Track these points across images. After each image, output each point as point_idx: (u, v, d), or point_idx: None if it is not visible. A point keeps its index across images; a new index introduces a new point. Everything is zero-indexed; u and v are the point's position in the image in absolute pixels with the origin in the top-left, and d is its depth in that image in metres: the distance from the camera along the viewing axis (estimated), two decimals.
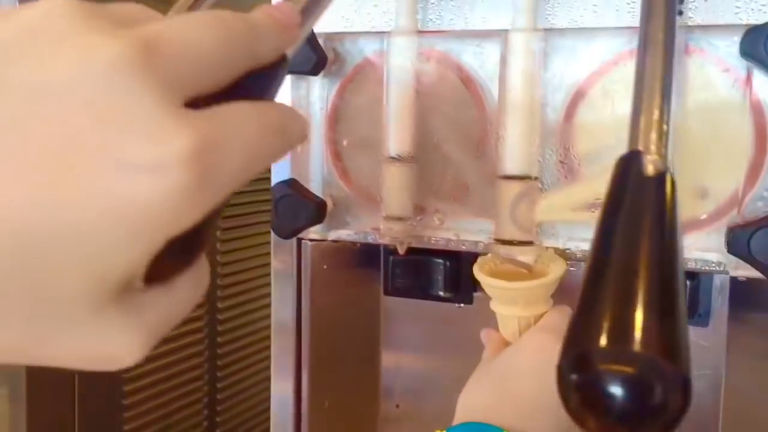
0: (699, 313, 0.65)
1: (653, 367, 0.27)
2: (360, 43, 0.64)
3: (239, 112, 0.24)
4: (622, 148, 0.58)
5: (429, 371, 0.79)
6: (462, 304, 0.71)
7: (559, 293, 0.62)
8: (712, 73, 0.55)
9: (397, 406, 0.79)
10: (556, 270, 0.61)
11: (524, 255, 0.60)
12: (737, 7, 0.54)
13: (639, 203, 0.32)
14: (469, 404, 0.57)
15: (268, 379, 0.75)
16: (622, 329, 0.28)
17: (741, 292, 0.65)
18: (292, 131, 0.26)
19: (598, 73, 0.57)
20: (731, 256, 0.55)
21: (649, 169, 0.33)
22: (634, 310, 0.28)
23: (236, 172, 0.23)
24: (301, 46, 0.59)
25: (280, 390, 0.74)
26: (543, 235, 0.60)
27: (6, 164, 0.21)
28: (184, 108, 0.23)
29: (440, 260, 0.68)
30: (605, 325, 0.28)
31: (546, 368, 0.59)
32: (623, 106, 0.56)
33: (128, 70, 0.21)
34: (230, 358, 1.18)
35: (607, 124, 0.57)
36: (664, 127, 0.35)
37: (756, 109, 0.54)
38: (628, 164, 0.34)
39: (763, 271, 0.53)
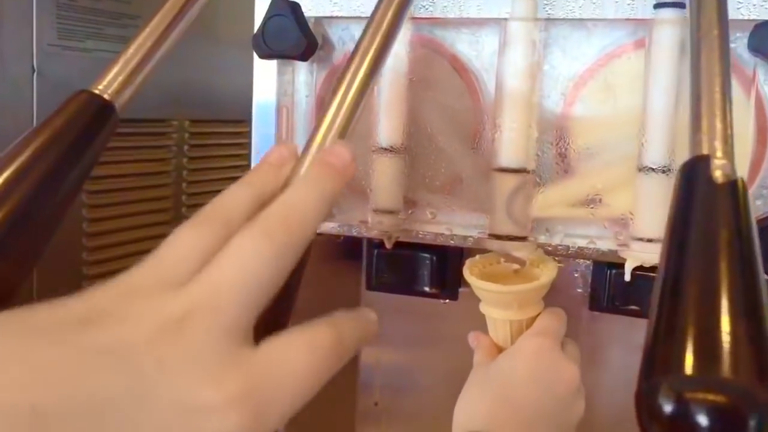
0: None
1: (748, 396, 0.25)
2: (351, 29, 0.61)
3: (290, 346, 0.28)
4: (623, 143, 0.57)
5: (409, 368, 0.77)
6: (447, 300, 0.69)
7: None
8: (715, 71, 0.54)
9: (376, 403, 0.77)
10: (548, 272, 0.59)
11: (518, 251, 0.58)
12: (738, 2, 0.53)
13: (711, 214, 0.30)
14: (469, 414, 0.55)
15: None
16: (710, 353, 0.26)
17: None
18: (348, 341, 0.29)
19: (599, 64, 0.56)
20: None
21: (718, 176, 0.31)
22: (721, 332, 0.26)
23: (289, 404, 0.27)
24: (291, 29, 0.57)
25: None
26: (538, 231, 0.58)
27: None
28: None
29: (426, 255, 0.66)
30: (691, 349, 0.25)
31: (545, 373, 0.58)
32: (625, 99, 0.55)
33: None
34: None
35: (608, 118, 0.56)
36: (729, 129, 0.33)
37: (758, 105, 0.53)
38: (695, 171, 0.31)
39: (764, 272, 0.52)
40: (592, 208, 0.57)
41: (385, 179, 0.59)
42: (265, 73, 0.63)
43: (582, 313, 0.69)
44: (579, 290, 0.69)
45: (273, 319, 0.29)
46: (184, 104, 1.05)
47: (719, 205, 0.30)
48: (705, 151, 0.32)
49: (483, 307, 0.61)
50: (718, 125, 0.32)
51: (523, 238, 0.58)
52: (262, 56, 0.59)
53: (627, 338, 0.69)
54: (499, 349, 0.61)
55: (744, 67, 0.53)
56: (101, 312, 0.26)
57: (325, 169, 0.33)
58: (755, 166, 0.54)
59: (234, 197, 0.33)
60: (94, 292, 0.28)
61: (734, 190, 0.30)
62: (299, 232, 0.30)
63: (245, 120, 0.69)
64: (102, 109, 0.43)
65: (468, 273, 0.60)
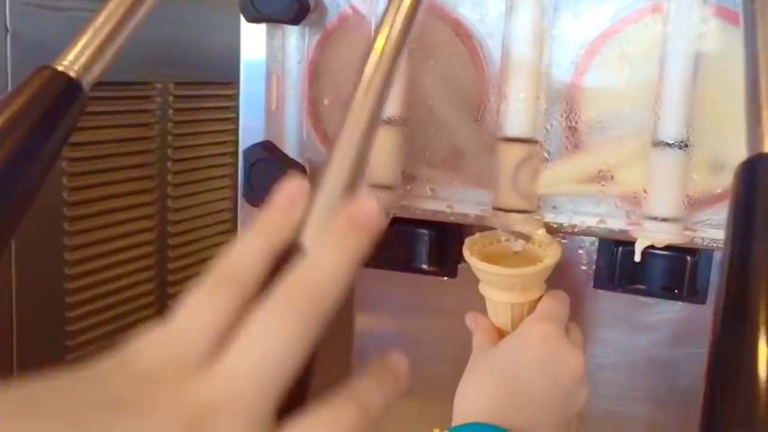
0: (696, 290, 0.62)
1: None
2: None
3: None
4: (637, 116, 0.54)
5: (405, 337, 0.74)
6: (446, 278, 0.66)
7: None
8: (737, 36, 0.51)
9: None
10: (553, 253, 0.56)
11: (523, 226, 0.55)
12: None
13: None
14: (470, 402, 0.52)
15: None
16: None
17: None
18: (373, 411, 0.28)
19: (613, 30, 0.52)
20: None
21: None
22: None
23: None
24: None
25: None
26: (545, 208, 0.55)
27: None
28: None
29: (425, 231, 0.63)
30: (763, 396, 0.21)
31: (550, 362, 0.55)
32: (641, 69, 0.52)
33: None
34: None
35: (622, 89, 0.52)
36: None
37: None
38: (756, 172, 0.27)
39: None
40: (602, 185, 0.53)
41: (382, 153, 0.56)
42: (253, 36, 0.58)
43: (586, 291, 0.66)
44: (583, 267, 0.66)
45: (295, 393, 0.28)
46: (168, 65, 1.00)
47: None
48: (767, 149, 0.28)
49: (483, 288, 0.58)
50: None
51: (529, 213, 0.55)
52: (249, 19, 0.54)
53: (633, 318, 0.67)
54: (499, 332, 0.59)
55: None
56: (122, 401, 0.25)
57: (352, 228, 0.31)
58: None
59: (246, 252, 0.30)
60: (112, 374, 0.26)
61: None
62: (325, 303, 0.28)
63: (233, 82, 0.65)
64: (67, 88, 0.38)
65: (468, 253, 0.57)
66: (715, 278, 0.62)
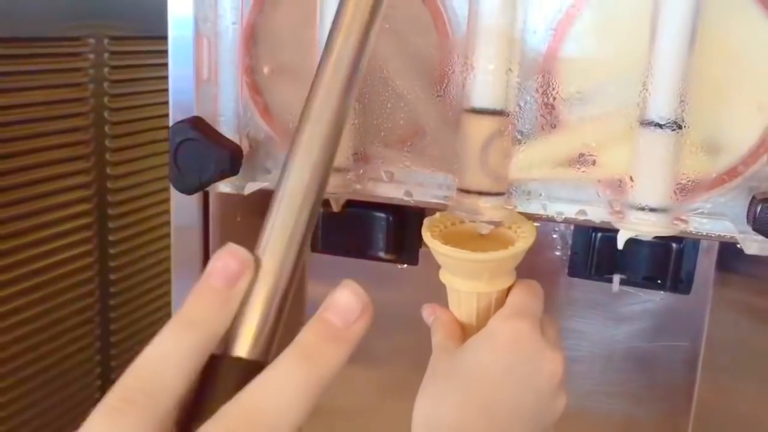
0: (680, 279, 0.56)
1: None
2: None
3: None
4: (623, 91, 0.47)
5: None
6: (405, 265, 0.59)
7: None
8: (738, 2, 0.44)
9: None
10: (526, 236, 0.50)
11: (493, 216, 0.48)
12: None
13: None
14: (431, 412, 0.46)
15: None
16: None
17: (731, 255, 0.57)
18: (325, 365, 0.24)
19: None
20: (747, 228, 0.45)
21: None
22: None
23: None
24: None
25: None
26: (517, 195, 0.48)
27: None
28: None
29: (382, 215, 0.56)
30: None
31: (524, 365, 0.49)
32: (628, 37, 0.45)
33: None
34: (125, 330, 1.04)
35: (606, 60, 0.45)
36: None
37: None
38: None
39: None
40: (583, 169, 0.47)
41: None
42: None
43: (560, 279, 0.60)
44: (557, 253, 0.60)
45: None
46: (100, 18, 0.91)
47: None
48: None
49: (444, 276, 0.51)
50: None
51: (499, 195, 0.48)
52: None
53: (610, 308, 0.61)
54: (463, 327, 0.52)
55: None
56: None
57: (322, 339, 0.24)
58: None
59: (164, 356, 0.24)
60: None
61: None
62: None
63: None
64: None
65: (428, 235, 0.50)
66: (701, 267, 0.57)
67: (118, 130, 0.96)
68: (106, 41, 0.91)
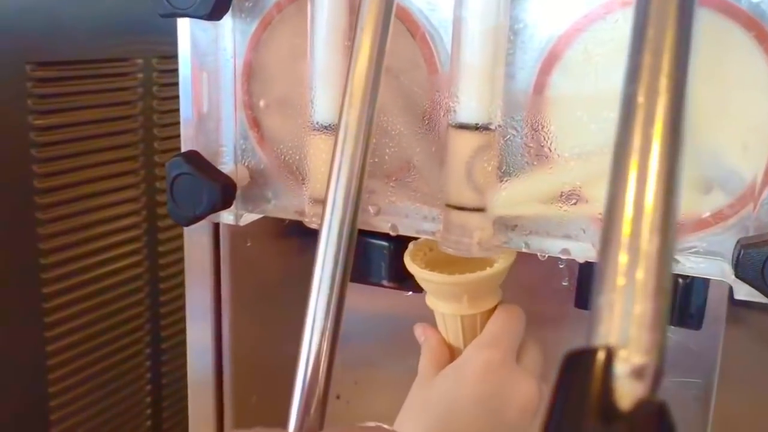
0: (691, 314, 0.54)
1: None
2: None
3: None
4: (608, 126, 0.46)
5: (372, 359, 0.68)
6: (411, 293, 0.60)
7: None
8: (730, 29, 0.42)
9: (338, 396, 0.69)
10: (505, 256, 0.50)
11: (484, 253, 0.48)
12: None
13: None
14: None
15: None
16: None
17: None
18: None
19: (577, 29, 0.43)
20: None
21: None
22: None
23: None
24: None
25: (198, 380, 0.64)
26: (502, 232, 0.48)
27: None
28: None
29: (383, 243, 0.57)
30: None
31: (493, 396, 0.48)
32: (610, 74, 0.43)
33: None
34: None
35: (587, 97, 0.44)
36: None
37: None
38: None
39: None
40: (565, 208, 0.46)
41: (320, 163, 0.49)
42: (183, 27, 0.52)
43: (568, 310, 0.59)
44: (564, 284, 0.59)
45: None
46: (148, 37, 0.94)
47: None
48: None
49: (429, 300, 0.52)
50: None
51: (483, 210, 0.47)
52: (163, 14, 0.48)
53: None
54: (450, 349, 0.52)
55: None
56: None
57: None
58: None
59: None
60: None
61: None
62: None
63: None
64: None
65: (409, 260, 0.51)
66: (712, 300, 0.55)
67: (167, 145, 0.99)
68: (154, 61, 0.95)
